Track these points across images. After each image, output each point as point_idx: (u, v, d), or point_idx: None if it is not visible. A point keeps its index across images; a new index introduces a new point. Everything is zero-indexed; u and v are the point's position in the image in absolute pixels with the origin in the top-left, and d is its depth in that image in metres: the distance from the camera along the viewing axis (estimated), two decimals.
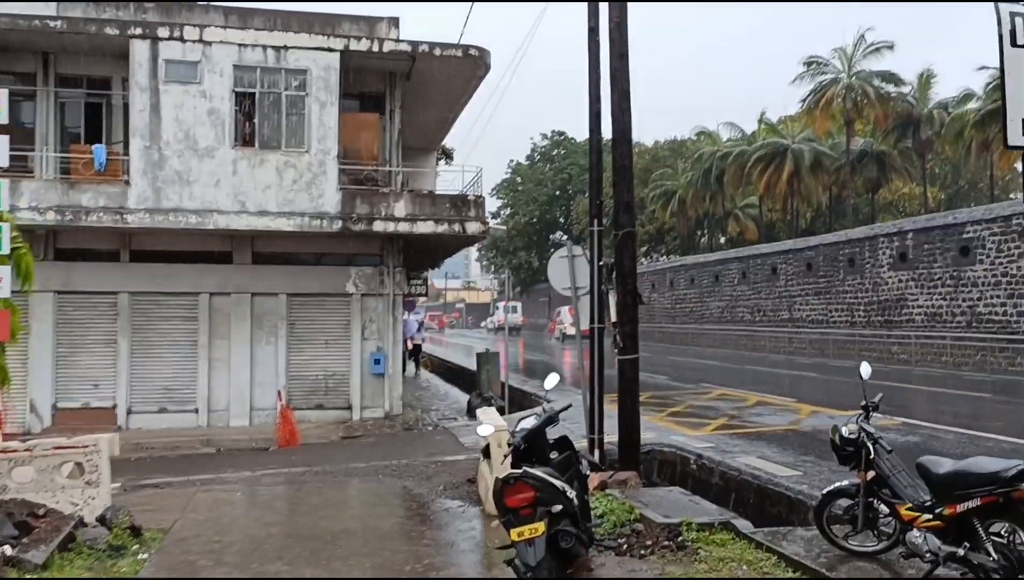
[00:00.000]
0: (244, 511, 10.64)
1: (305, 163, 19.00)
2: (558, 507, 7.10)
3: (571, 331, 51.00)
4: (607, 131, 12.49)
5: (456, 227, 19.56)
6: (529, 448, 7.96)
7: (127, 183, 18.13)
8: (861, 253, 35.91)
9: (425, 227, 19.40)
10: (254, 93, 18.74)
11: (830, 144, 50.22)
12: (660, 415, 16.65)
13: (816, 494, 9.60)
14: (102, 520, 9.56)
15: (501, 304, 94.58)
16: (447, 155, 39.48)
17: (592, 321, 12.71)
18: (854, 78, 43.96)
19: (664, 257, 69.51)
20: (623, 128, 11.76)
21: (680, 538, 8.28)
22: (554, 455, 8.19)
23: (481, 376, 22.34)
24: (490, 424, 9.91)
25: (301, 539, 9.21)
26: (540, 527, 6.86)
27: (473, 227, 19.71)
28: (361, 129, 19.66)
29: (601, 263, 12.26)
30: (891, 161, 48.38)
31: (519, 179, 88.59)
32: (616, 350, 11.86)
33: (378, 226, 19.19)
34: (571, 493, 7.38)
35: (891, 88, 44.44)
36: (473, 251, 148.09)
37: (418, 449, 15.40)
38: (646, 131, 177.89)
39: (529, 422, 8.24)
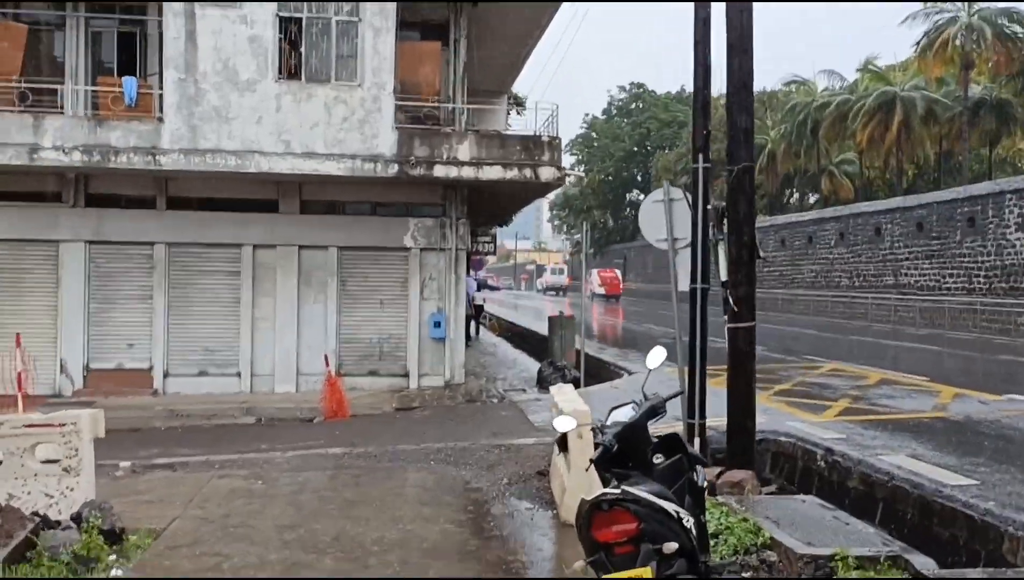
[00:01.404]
0: (261, 507, 8.55)
1: (357, 98, 16.81)
2: (672, 545, 4.78)
3: (600, 291, 65.06)
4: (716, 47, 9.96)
5: (527, 172, 17.19)
6: (623, 449, 5.63)
7: (160, 120, 16.17)
8: (983, 212, 32.37)
9: (492, 172, 17.08)
10: (300, 19, 16.56)
11: (942, 92, 46.08)
12: (766, 394, 14.11)
13: (1010, 515, 7.10)
14: (78, 519, 7.55)
15: (548, 266, 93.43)
16: (518, 103, 36.84)
17: (695, 279, 10.26)
18: (975, 17, 39.90)
19: None
20: (741, 32, 9.25)
21: (833, 577, 5.89)
22: (658, 459, 5.77)
23: (554, 343, 20.04)
24: (570, 415, 7.62)
25: (322, 553, 7.07)
26: (646, 573, 4.59)
27: (547, 172, 17.31)
28: (421, 61, 17.34)
29: (710, 206, 9.78)
30: (1012, 111, 43.98)
31: (594, 134, 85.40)
32: (726, 316, 9.45)
33: (439, 171, 16.94)
34: (688, 521, 5.06)
35: (1016, 28, 40.12)
36: (545, 211, 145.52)
37: (480, 427, 13.21)
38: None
39: (624, 413, 5.88)
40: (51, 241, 17.43)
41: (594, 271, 67.16)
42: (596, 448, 5.60)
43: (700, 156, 10.31)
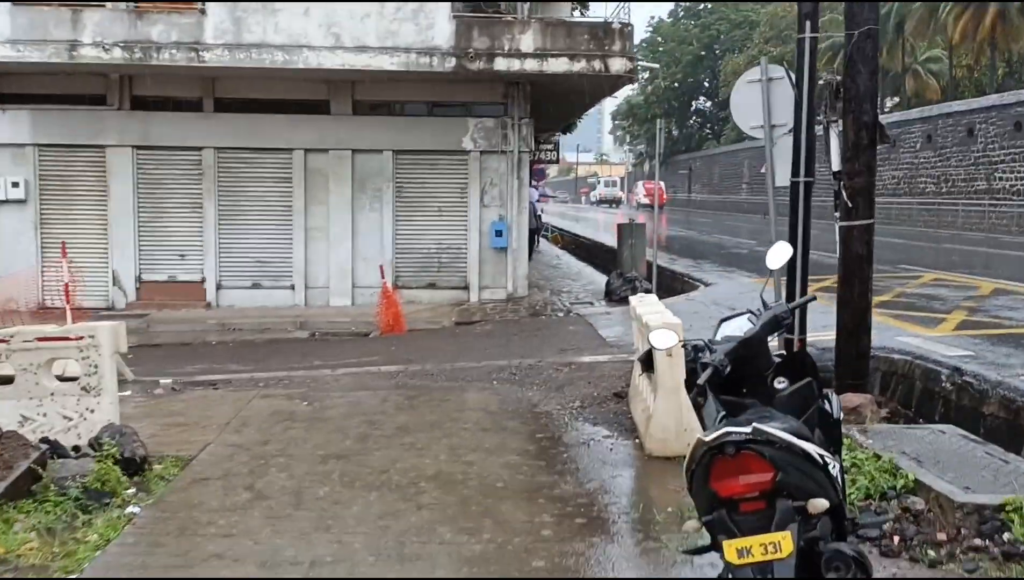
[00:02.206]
0: (303, 432, 7.60)
1: None
2: (821, 502, 3.60)
3: (645, 201, 63.06)
4: None
5: (596, 64, 15.69)
6: (736, 371, 4.43)
7: (203, 12, 14.97)
8: None
9: (558, 64, 15.62)
10: None
11: None
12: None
13: None
14: (97, 445, 6.66)
15: (602, 178, 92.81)
16: (581, 1, 34.81)
17: (796, 172, 8.89)
18: None
19: None
20: None
21: (1005, 534, 4.68)
22: (780, 384, 4.54)
23: (623, 253, 18.71)
24: (660, 328, 6.45)
25: (368, 489, 6.07)
26: (786, 541, 3.44)
27: (618, 64, 15.77)
28: None
29: (821, 82, 8.33)
30: None
31: (660, 38, 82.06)
32: (836, 213, 8.09)
33: (500, 64, 15.55)
34: (834, 467, 3.87)
35: None
36: (607, 122, 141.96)
37: (546, 343, 12.11)
38: None
39: (737, 326, 4.67)
40: (98, 146, 16.55)
41: (639, 183, 74.69)
42: (689, 370, 4.48)
43: (807, 23, 8.80)
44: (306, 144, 16.81)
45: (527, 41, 15.59)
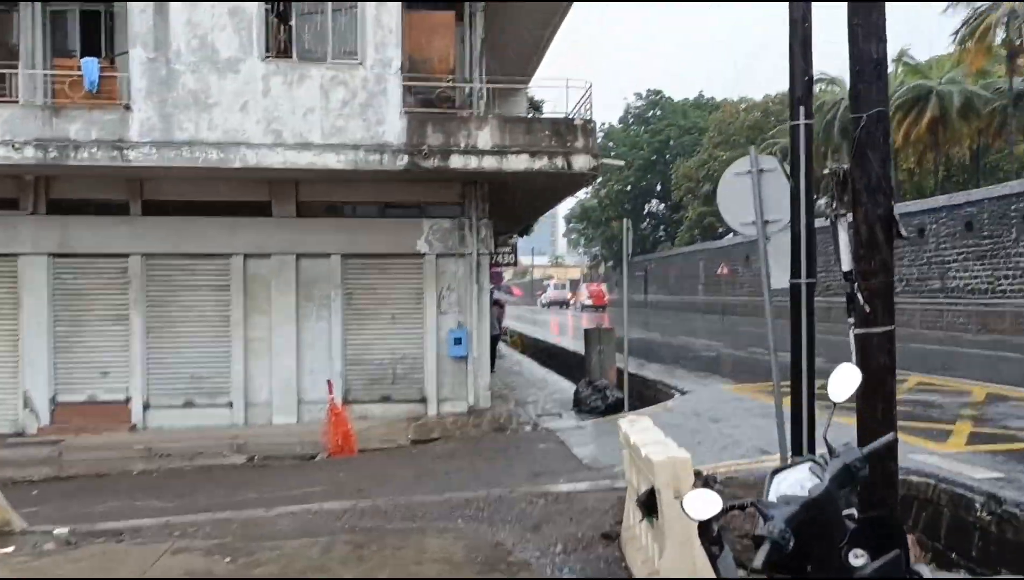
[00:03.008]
0: None
1: (359, 79, 14.44)
2: None
3: (588, 302, 68.82)
4: None
5: (559, 161, 14.74)
6: (801, 543, 3.14)
7: (127, 108, 13.79)
8: None
9: (518, 162, 14.65)
10: None
11: (983, 84, 43.25)
12: (853, 414, 11.55)
13: None
14: None
15: (550, 281, 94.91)
16: (535, 107, 34.35)
17: (797, 273, 7.79)
18: (1019, 1, 37.13)
19: None
20: None
21: None
22: (858, 559, 3.27)
23: (592, 360, 17.44)
24: (663, 462, 5.18)
25: None
26: None
27: (581, 161, 14.85)
28: (432, 33, 14.90)
29: (826, 171, 7.29)
30: None
31: (611, 143, 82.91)
32: (850, 319, 6.94)
33: (456, 161, 14.51)
34: None
35: None
36: (560, 224, 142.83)
37: (515, 465, 10.69)
38: (755, 85, 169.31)
39: (796, 480, 3.42)
40: (9, 255, 15.06)
41: (583, 285, 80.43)
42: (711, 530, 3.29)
43: (800, 109, 7.82)
44: (246, 249, 15.53)
45: (484, 137, 14.63)
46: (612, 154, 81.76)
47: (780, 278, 8.16)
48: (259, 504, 9.50)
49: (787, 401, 7.97)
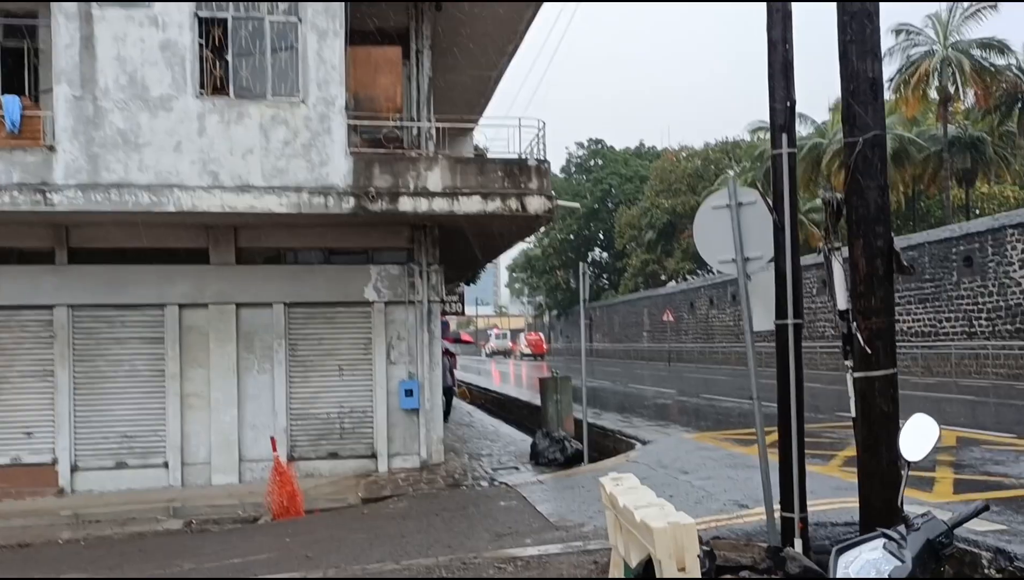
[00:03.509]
0: None
1: (301, 117, 13.76)
2: None
3: (527, 351, 74.79)
4: None
5: (512, 203, 14.20)
6: None
7: (51, 148, 12.87)
8: (982, 249, 29.90)
9: (470, 204, 14.06)
10: (226, 20, 13.47)
11: (916, 132, 44.12)
12: (831, 464, 11.01)
13: None
14: None
15: (493, 331, 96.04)
16: (480, 155, 34.06)
17: (783, 313, 7.25)
18: (950, 49, 37.95)
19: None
20: None
21: None
22: None
23: (548, 410, 16.75)
24: (664, 528, 4.52)
25: None
26: None
27: (536, 203, 14.34)
28: (377, 70, 14.32)
29: (818, 200, 6.80)
30: (985, 149, 41.81)
31: (554, 192, 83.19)
32: (847, 362, 6.41)
33: (405, 204, 13.87)
34: None
35: (996, 59, 38.19)
36: (503, 273, 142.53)
37: (476, 525, 9.91)
38: (695, 133, 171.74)
39: (869, 560, 2.86)
40: None
41: (521, 335, 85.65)
42: None
43: (783, 136, 7.34)
44: (181, 298, 14.63)
45: (435, 179, 14.03)
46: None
47: (763, 319, 7.61)
48: (197, 575, 8.61)
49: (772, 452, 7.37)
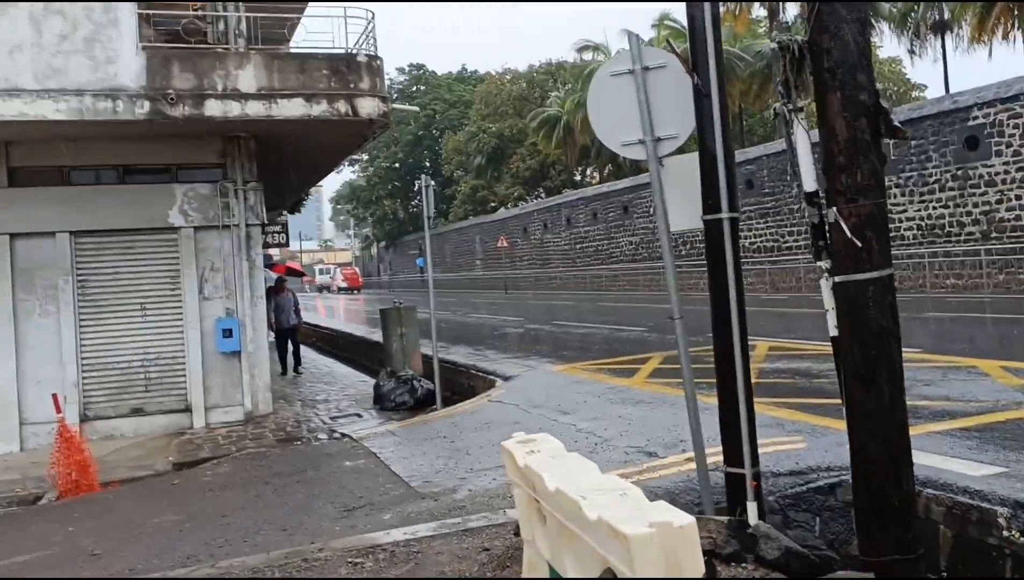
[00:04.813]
0: None
1: (80, 7, 11.15)
2: None
3: (344, 285, 75.75)
4: None
5: (341, 106, 12.12)
6: None
7: None
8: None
9: (292, 107, 11.90)
10: None
11: (742, 46, 44.10)
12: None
13: None
14: None
15: (317, 267, 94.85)
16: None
17: (713, 205, 5.69)
18: None
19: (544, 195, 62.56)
20: None
21: None
22: None
23: (392, 346, 14.84)
24: (641, 538, 2.81)
25: None
26: None
27: (368, 105, 12.31)
28: None
29: (772, 44, 5.12)
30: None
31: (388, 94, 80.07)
32: (821, 263, 4.88)
33: (213, 108, 11.57)
34: None
35: None
36: (326, 206, 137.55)
37: (319, 495, 8.04)
38: (520, 54, 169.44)
39: None
40: None
41: (337, 269, 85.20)
42: None
43: None
44: None
45: (247, 78, 11.75)
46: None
47: (684, 215, 6.04)
48: None
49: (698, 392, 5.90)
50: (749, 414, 5.57)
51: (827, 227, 4.83)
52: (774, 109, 5.23)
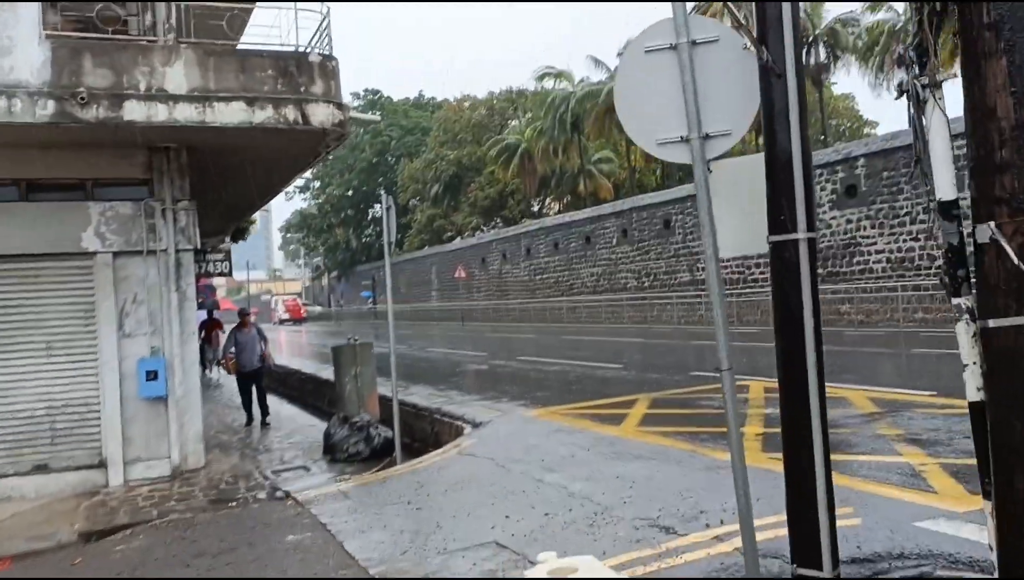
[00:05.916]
0: None
1: None
2: None
3: (285, 317, 77.63)
4: None
5: (290, 113, 10.44)
6: None
7: None
8: None
9: (230, 113, 10.20)
10: None
11: None
12: (747, 449, 8.08)
13: None
14: None
15: (276, 298, 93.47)
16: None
17: (789, 223, 4.14)
18: None
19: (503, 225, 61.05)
20: None
21: None
22: None
23: (346, 388, 13.05)
24: None
25: None
26: None
27: (321, 112, 10.65)
28: None
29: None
30: None
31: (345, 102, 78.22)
32: (968, 302, 3.34)
33: (134, 111, 9.81)
34: None
35: None
36: (275, 235, 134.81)
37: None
38: (476, 83, 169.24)
39: None
40: None
41: (278, 300, 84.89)
42: None
43: None
44: None
45: (177, 77, 10.04)
46: (330, 157, 77.05)
47: (740, 236, 4.52)
48: None
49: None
50: (829, 498, 4.05)
51: (971, 250, 3.32)
52: (899, 84, 3.68)
